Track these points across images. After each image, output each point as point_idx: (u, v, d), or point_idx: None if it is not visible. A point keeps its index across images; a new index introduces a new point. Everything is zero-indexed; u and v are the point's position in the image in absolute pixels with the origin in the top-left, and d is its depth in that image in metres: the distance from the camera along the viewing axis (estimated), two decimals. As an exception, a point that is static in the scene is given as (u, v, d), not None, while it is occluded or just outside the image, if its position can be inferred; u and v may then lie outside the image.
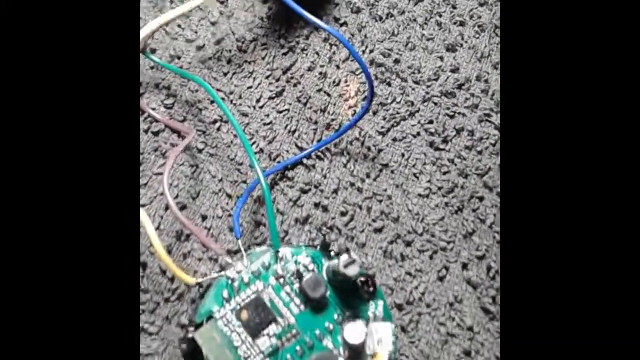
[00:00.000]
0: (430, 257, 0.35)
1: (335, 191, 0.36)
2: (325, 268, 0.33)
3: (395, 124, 0.37)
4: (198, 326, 0.28)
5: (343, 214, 0.35)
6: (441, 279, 0.34)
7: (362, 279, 0.31)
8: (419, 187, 0.36)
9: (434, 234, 0.35)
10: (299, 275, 0.30)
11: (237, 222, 0.33)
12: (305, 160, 0.36)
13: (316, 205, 0.35)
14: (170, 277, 0.32)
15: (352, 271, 0.30)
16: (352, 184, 0.36)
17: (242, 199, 0.32)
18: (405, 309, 0.33)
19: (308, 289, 0.31)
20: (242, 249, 0.31)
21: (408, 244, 0.35)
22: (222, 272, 0.30)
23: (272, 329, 0.29)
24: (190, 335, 0.26)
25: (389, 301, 0.33)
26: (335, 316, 0.30)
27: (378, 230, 0.35)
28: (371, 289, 0.32)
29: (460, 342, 0.32)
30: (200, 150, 0.36)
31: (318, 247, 0.31)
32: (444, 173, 0.36)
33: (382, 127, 0.37)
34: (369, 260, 0.36)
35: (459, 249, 0.35)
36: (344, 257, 0.30)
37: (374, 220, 0.35)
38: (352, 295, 0.32)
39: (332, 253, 0.30)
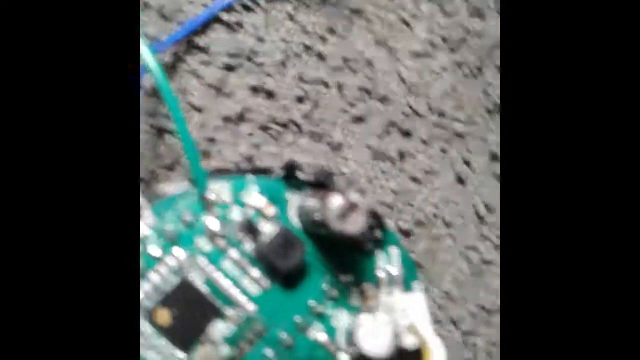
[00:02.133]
0: (443, 150, 0.25)
1: (283, 63, 0.24)
2: (298, 210, 0.20)
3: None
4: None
5: (300, 99, 0.24)
6: (462, 180, 0.25)
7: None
8: (414, 41, 0.25)
9: (444, 113, 0.25)
10: (250, 230, 0.20)
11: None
12: (224, 16, 0.24)
13: (254, 89, 0.24)
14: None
15: (354, 227, 0.17)
16: (307, 48, 0.25)
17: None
18: (415, 234, 0.24)
19: (274, 254, 0.18)
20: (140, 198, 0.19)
21: (406, 133, 0.25)
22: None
23: (218, 329, 0.19)
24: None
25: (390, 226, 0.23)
26: (324, 286, 0.20)
27: (359, 120, 0.25)
28: (378, 234, 0.20)
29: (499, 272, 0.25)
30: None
31: (276, 171, 0.21)
32: (449, 15, 0.26)
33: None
34: (352, 167, 0.24)
35: (483, 132, 0.25)
36: (336, 201, 0.16)
37: (350, 104, 0.25)
38: (345, 247, 0.20)
39: (303, 178, 0.20)
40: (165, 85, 0.19)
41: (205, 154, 0.23)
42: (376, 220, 0.20)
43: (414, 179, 0.25)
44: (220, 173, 0.20)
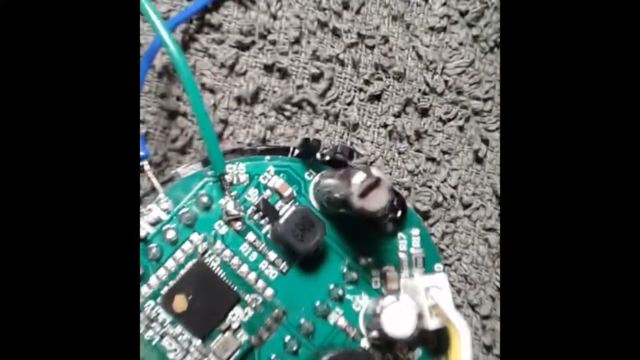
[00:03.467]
0: (461, 128, 0.24)
1: (297, 40, 0.23)
2: (315, 189, 0.19)
3: None
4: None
5: (315, 78, 0.24)
6: (480, 160, 0.25)
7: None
8: (430, 16, 0.25)
9: (462, 90, 0.24)
10: (268, 211, 0.19)
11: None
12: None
13: (268, 68, 0.23)
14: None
15: (377, 203, 0.16)
16: (322, 24, 0.24)
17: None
18: (433, 216, 0.24)
19: (291, 236, 0.17)
20: (153, 179, 0.18)
21: (424, 111, 0.24)
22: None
23: (236, 315, 0.18)
24: None
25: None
26: (344, 269, 0.20)
27: (376, 98, 0.24)
28: (398, 214, 0.19)
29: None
30: None
31: (293, 151, 0.20)
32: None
33: None
34: (368, 148, 0.23)
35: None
36: (359, 177, 0.15)
37: (366, 82, 0.24)
38: (365, 229, 0.20)
39: (321, 158, 0.19)
40: (183, 66, 0.18)
41: (218, 136, 0.22)
42: (398, 199, 0.20)
43: (432, 159, 0.24)
44: (235, 154, 0.20)
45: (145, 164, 0.18)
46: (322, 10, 0.23)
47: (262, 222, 0.19)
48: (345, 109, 0.23)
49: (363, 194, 0.16)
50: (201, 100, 0.18)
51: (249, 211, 0.19)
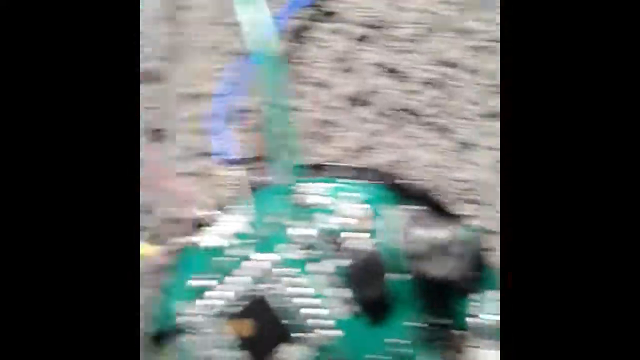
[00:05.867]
0: None
1: (420, 37, 0.21)
2: (401, 231, 0.17)
3: None
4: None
5: (431, 83, 0.21)
6: None
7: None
8: None
9: None
10: (338, 244, 0.17)
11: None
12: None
13: (381, 66, 0.21)
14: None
15: (441, 270, 0.14)
16: (449, 21, 0.21)
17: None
18: None
19: (354, 279, 0.16)
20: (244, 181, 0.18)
21: None
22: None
23: (289, 354, 0.17)
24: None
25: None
26: (408, 325, 0.17)
27: (494, 116, 0.20)
28: (476, 273, 0.17)
29: None
30: None
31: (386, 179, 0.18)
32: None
33: None
34: (476, 174, 0.20)
35: None
36: (428, 234, 0.14)
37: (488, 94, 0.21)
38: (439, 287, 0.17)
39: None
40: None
41: (314, 136, 0.21)
42: (478, 257, 0.17)
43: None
44: (320, 171, 0.18)
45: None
46: (450, 4, 0.20)
47: (337, 253, 0.18)
48: (458, 124, 0.21)
49: (429, 255, 0.14)
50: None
51: (323, 239, 0.18)
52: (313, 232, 0.18)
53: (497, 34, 0.20)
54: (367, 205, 0.18)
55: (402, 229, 0.17)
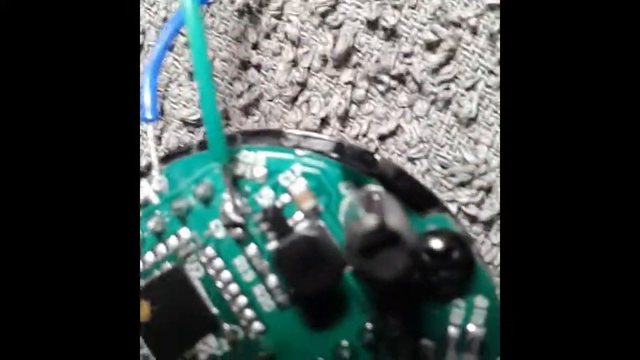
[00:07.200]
0: None
1: None
2: (346, 211, 0.14)
3: None
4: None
5: (430, 46, 0.17)
6: None
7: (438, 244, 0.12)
8: None
9: None
10: (276, 224, 0.14)
11: (152, 88, 0.14)
12: None
13: (371, 23, 0.17)
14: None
15: (386, 270, 0.11)
16: None
17: (160, 46, 0.15)
18: None
19: (290, 267, 0.13)
20: (152, 150, 0.15)
21: None
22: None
23: (208, 345, 0.14)
24: None
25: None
26: (364, 328, 0.14)
27: None
28: (459, 274, 0.13)
29: None
30: None
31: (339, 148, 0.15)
32: None
33: None
34: (479, 153, 0.16)
35: None
36: (366, 223, 0.11)
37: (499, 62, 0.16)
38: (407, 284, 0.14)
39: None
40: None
41: (289, 102, 0.18)
42: (460, 252, 0.13)
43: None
44: (259, 138, 0.15)
45: (149, 129, 0.15)
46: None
47: (270, 235, 0.14)
48: (463, 95, 0.17)
49: (367, 251, 0.11)
50: (208, 64, 0.13)
51: (257, 217, 0.14)
52: (248, 208, 0.14)
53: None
54: (319, 183, 0.14)
55: (347, 214, 0.13)
